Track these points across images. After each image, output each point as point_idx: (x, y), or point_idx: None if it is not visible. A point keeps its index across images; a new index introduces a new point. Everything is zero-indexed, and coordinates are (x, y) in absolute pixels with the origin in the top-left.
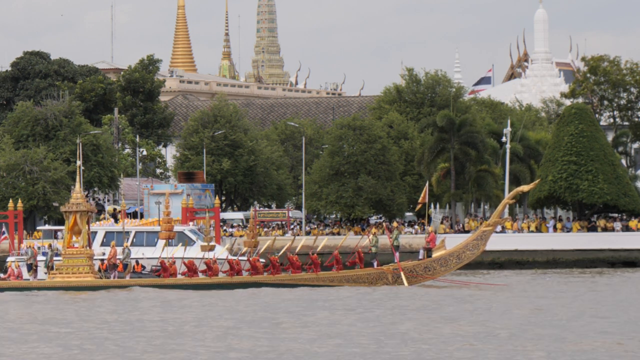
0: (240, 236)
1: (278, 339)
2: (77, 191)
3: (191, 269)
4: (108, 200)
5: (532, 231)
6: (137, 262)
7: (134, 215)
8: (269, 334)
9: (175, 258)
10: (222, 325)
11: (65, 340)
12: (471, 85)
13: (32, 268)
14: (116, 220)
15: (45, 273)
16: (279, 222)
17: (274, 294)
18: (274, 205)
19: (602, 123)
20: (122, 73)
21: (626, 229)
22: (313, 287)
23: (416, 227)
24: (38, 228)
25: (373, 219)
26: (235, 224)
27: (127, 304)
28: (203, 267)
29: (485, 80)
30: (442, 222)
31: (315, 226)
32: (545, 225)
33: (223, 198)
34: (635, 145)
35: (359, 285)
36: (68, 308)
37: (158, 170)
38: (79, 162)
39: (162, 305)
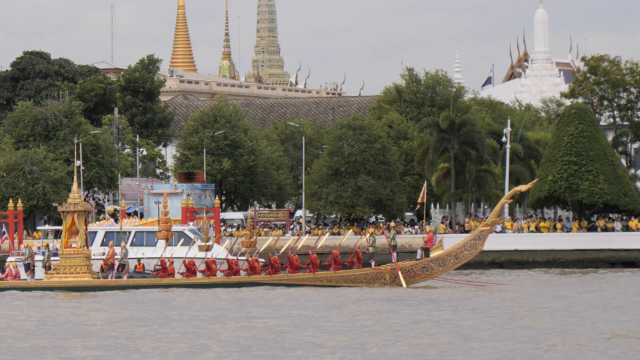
0: (240, 236)
1: None
2: (75, 191)
3: (190, 269)
4: (108, 200)
5: (532, 231)
6: (139, 262)
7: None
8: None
9: (174, 258)
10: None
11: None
12: (477, 87)
13: (29, 268)
14: (116, 221)
15: (44, 273)
16: (280, 223)
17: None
18: (274, 205)
19: (602, 123)
20: (122, 73)
21: (626, 229)
22: (311, 288)
23: (416, 227)
24: (38, 228)
25: (373, 219)
26: (235, 224)
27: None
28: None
29: (489, 81)
30: (442, 222)
31: (315, 226)
32: (547, 223)
33: (223, 198)
34: (635, 145)
35: (356, 286)
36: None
37: (158, 170)
38: (77, 163)
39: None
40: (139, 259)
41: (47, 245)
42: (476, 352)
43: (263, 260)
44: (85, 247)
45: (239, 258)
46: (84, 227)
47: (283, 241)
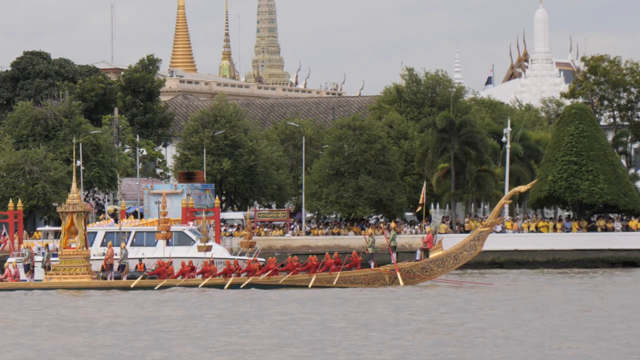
0: (240, 236)
1: None
2: (74, 191)
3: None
4: (108, 200)
5: (532, 231)
6: (140, 262)
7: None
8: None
9: (173, 258)
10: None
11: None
12: (477, 87)
13: (29, 269)
14: (116, 221)
15: (44, 274)
16: (280, 222)
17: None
18: (274, 205)
19: (602, 123)
20: (122, 73)
21: (626, 229)
22: (310, 289)
23: (416, 227)
24: (38, 229)
25: (373, 219)
26: (235, 224)
27: None
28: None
29: (489, 81)
30: (443, 222)
31: (315, 226)
32: (547, 222)
33: (223, 198)
34: (635, 145)
35: (355, 286)
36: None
37: (158, 170)
38: (76, 163)
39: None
40: (140, 259)
41: (47, 246)
42: None
43: (263, 260)
44: (85, 248)
45: (238, 258)
46: (83, 228)
47: (282, 241)
